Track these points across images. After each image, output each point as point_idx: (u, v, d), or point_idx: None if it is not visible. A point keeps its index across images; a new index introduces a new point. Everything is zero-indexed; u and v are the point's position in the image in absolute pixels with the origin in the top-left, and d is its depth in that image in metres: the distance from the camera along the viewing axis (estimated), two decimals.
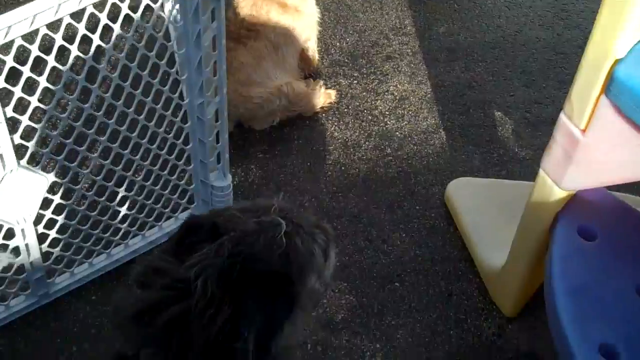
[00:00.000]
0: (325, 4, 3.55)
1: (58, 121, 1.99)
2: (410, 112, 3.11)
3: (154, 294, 1.28)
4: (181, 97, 2.26)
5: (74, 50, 1.87)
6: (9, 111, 1.83)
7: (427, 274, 2.59)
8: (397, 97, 3.17)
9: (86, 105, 2.00)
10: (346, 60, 3.31)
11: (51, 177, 2.08)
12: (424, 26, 3.50)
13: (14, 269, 2.22)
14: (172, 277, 1.27)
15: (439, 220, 2.75)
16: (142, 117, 2.18)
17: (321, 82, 3.16)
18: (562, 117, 1.86)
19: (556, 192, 1.98)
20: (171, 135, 2.32)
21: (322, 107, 3.09)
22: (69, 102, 1.97)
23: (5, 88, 1.79)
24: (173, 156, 2.38)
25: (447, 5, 3.62)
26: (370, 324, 2.45)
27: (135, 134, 2.20)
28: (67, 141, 2.04)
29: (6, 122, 1.85)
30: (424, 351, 2.39)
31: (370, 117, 3.08)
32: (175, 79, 2.21)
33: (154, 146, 2.29)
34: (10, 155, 1.92)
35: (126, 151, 2.22)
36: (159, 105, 2.21)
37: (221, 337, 1.23)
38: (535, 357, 2.40)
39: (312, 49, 3.15)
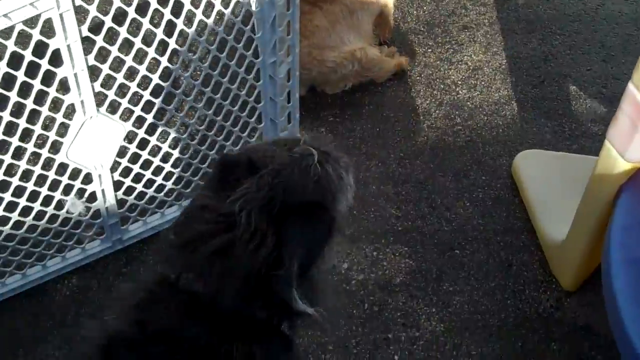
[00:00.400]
0: None
1: (136, 73, 2.08)
2: (482, 83, 3.10)
3: (200, 226, 1.35)
4: (255, 55, 2.32)
5: (154, 3, 1.95)
6: (91, 59, 1.93)
7: (488, 243, 2.60)
8: (471, 67, 3.16)
9: (162, 58, 2.08)
10: (422, 29, 3.32)
11: (128, 126, 2.18)
12: None
13: (90, 213, 2.34)
14: (217, 212, 1.34)
15: (504, 191, 2.75)
16: (216, 72, 2.25)
17: (395, 49, 3.18)
18: (630, 86, 1.84)
19: (620, 163, 1.96)
20: (244, 92, 2.39)
21: (394, 74, 3.11)
22: (147, 55, 2.05)
23: (88, 37, 1.88)
24: (245, 114, 2.45)
25: None
26: (427, 289, 2.48)
27: (209, 88, 2.28)
28: (144, 92, 2.13)
29: (88, 70, 1.95)
30: (480, 318, 2.41)
31: (442, 86, 3.09)
32: (249, 37, 2.27)
33: (227, 102, 2.37)
34: (90, 102, 2.02)
35: (200, 105, 2.30)
36: (232, 62, 2.28)
37: (265, 267, 1.30)
38: (592, 331, 2.39)
39: (388, 16, 3.16)
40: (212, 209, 1.36)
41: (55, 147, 2.08)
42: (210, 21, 2.11)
